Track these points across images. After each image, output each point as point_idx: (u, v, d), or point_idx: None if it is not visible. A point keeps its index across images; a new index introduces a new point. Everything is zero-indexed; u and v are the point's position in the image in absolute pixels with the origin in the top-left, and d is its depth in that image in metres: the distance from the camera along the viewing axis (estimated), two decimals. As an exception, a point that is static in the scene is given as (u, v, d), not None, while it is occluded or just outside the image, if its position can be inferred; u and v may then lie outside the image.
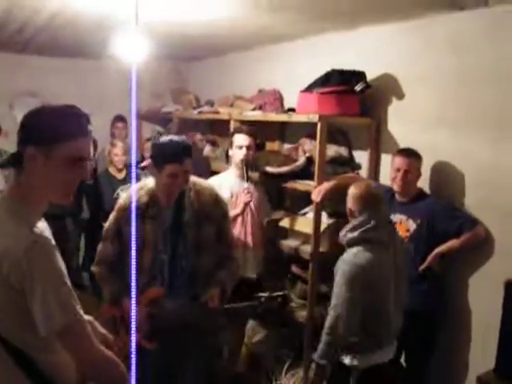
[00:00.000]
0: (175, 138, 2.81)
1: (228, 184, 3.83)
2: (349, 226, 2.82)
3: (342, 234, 2.85)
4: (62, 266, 1.59)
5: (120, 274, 2.75)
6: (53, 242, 1.63)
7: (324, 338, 2.74)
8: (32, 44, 5.28)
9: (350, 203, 2.86)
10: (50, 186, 1.65)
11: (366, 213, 2.78)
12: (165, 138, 2.80)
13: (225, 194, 3.55)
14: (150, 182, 2.87)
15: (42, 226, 1.69)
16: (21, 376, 1.59)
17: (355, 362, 2.78)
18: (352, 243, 2.78)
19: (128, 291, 2.48)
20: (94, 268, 2.93)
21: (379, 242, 2.77)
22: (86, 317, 1.99)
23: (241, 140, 3.82)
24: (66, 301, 1.56)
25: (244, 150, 3.80)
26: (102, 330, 2.05)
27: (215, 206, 2.87)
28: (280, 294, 3.30)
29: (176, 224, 2.78)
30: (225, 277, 2.88)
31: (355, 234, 2.77)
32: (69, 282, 1.59)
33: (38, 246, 1.53)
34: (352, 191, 2.87)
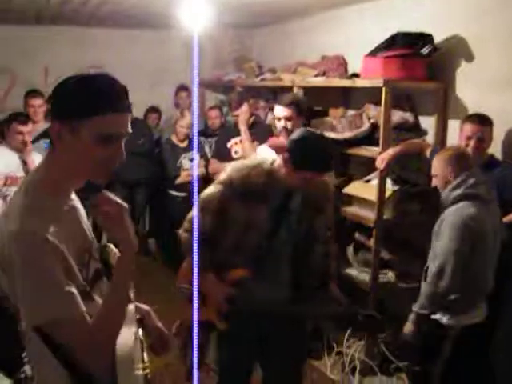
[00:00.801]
0: (324, 143, 2.53)
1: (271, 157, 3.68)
2: (450, 187, 2.80)
3: (443, 195, 2.83)
4: (57, 259, 1.39)
5: (209, 248, 2.52)
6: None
7: (426, 288, 2.78)
8: (96, 16, 5.37)
9: (442, 167, 2.84)
10: (79, 166, 1.49)
11: (463, 172, 2.78)
12: (312, 139, 2.46)
13: None
14: (267, 161, 2.58)
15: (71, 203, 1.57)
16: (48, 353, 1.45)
17: (452, 322, 2.79)
18: (457, 200, 2.76)
19: (213, 266, 2.52)
20: (183, 233, 2.72)
21: (482, 199, 2.76)
22: (144, 306, 1.93)
23: (279, 111, 3.71)
24: (55, 295, 1.37)
25: (282, 122, 3.68)
26: (159, 324, 1.94)
27: (325, 193, 2.68)
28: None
29: (284, 210, 2.56)
30: (334, 269, 2.81)
31: (459, 191, 2.76)
32: (64, 276, 1.40)
33: (23, 240, 1.36)
34: (442, 156, 2.87)
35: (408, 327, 2.87)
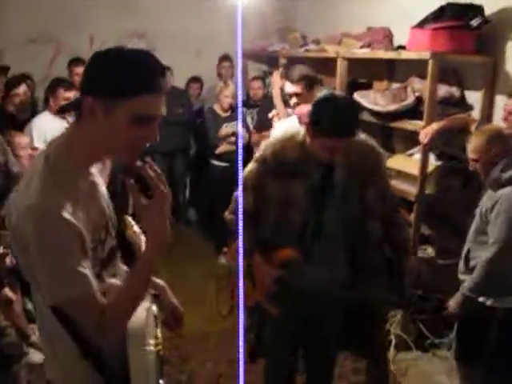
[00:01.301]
0: (347, 105, 2.29)
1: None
2: (498, 168, 2.74)
3: (493, 176, 2.76)
4: (72, 238, 1.38)
5: (254, 227, 2.45)
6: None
7: (480, 272, 2.74)
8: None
9: (485, 149, 2.77)
10: (107, 144, 1.46)
11: (507, 152, 2.74)
12: (334, 101, 2.25)
13: None
14: (300, 133, 2.42)
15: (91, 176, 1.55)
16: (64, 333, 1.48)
17: (497, 304, 2.76)
18: (509, 182, 2.71)
19: (259, 246, 2.45)
20: (228, 215, 2.67)
21: None
22: (159, 281, 1.89)
23: (288, 88, 3.65)
24: (68, 273, 1.37)
25: (294, 98, 3.60)
26: (173, 300, 1.92)
27: (376, 163, 2.45)
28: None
29: (327, 184, 2.38)
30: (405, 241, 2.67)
31: (510, 172, 2.70)
32: (78, 255, 1.39)
33: (39, 216, 1.34)
34: (481, 138, 2.79)
35: (453, 308, 2.86)
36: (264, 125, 4.90)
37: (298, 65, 3.80)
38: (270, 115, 4.88)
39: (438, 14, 3.49)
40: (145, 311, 1.59)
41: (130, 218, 1.91)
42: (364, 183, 2.39)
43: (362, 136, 2.45)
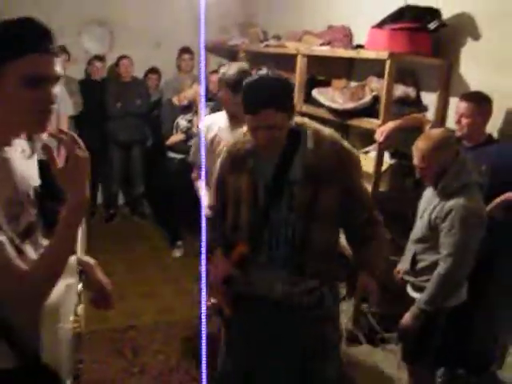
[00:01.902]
0: (264, 79, 2.11)
1: (216, 127, 3.26)
2: (449, 176, 2.74)
3: (443, 185, 2.76)
4: None
5: (220, 224, 2.40)
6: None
7: (436, 286, 2.74)
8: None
9: (434, 157, 2.75)
10: (9, 115, 1.44)
11: (455, 158, 2.76)
12: (255, 79, 2.12)
13: (209, 136, 3.22)
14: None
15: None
16: None
17: (445, 304, 2.82)
18: (460, 190, 2.72)
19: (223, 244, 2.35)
20: (206, 212, 2.52)
21: (480, 185, 2.78)
22: (89, 259, 1.88)
23: None
24: None
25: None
26: (101, 278, 1.88)
27: (338, 160, 2.18)
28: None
29: (278, 182, 2.21)
30: (368, 255, 2.32)
31: (461, 180, 2.73)
32: None
33: None
34: (428, 144, 2.76)
35: (409, 321, 2.83)
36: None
37: (234, 63, 3.68)
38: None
39: (397, 16, 3.54)
40: (64, 287, 1.56)
41: None
42: (321, 182, 2.16)
43: (327, 131, 2.26)
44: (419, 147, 2.80)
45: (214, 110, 5.11)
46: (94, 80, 6.03)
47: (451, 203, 2.72)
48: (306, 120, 2.30)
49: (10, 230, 1.44)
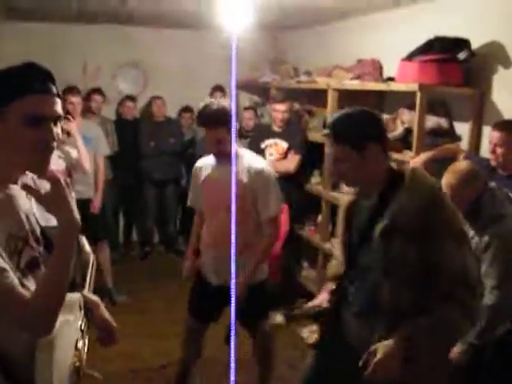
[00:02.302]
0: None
1: (207, 168, 3.26)
2: (481, 210, 2.73)
3: (476, 217, 2.74)
4: None
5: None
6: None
7: (488, 319, 2.67)
8: (135, 15, 5.47)
9: (462, 190, 2.74)
10: (11, 155, 1.48)
11: (484, 188, 2.75)
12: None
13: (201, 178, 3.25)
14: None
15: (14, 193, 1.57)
16: None
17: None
18: (493, 221, 2.71)
19: None
20: None
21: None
22: (93, 297, 1.89)
23: None
24: None
25: None
26: (106, 316, 1.92)
27: (425, 215, 1.93)
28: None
29: (369, 226, 2.07)
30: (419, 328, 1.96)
31: (494, 210, 2.73)
32: None
33: None
34: (456, 179, 2.75)
35: (459, 356, 2.74)
36: (256, 154, 4.94)
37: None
38: (263, 145, 4.94)
39: (427, 48, 3.56)
40: (59, 322, 1.55)
41: (83, 238, 1.94)
42: (403, 238, 1.95)
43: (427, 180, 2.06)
44: (445, 182, 2.78)
45: (251, 144, 5.17)
46: (126, 119, 6.15)
47: (489, 234, 2.69)
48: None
49: (11, 264, 1.45)
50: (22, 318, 1.41)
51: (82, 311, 1.81)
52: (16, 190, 1.58)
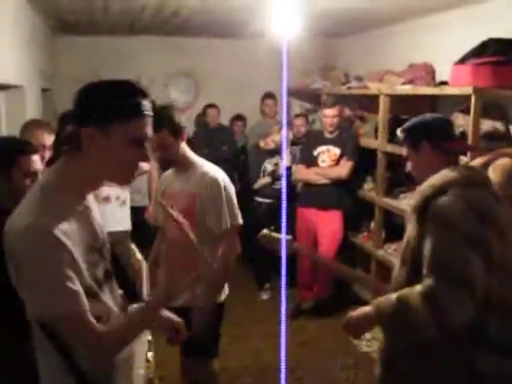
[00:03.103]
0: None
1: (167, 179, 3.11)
2: None
3: None
4: (63, 256, 1.41)
5: None
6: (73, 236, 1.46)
7: None
8: (186, 26, 5.57)
9: (506, 184, 2.61)
10: (107, 169, 1.55)
11: None
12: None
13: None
14: None
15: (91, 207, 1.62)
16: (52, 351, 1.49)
17: None
18: None
19: None
20: None
21: None
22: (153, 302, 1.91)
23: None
24: (58, 289, 1.40)
25: None
26: (168, 314, 2.00)
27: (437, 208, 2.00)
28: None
29: None
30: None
31: None
32: (69, 273, 1.41)
33: (31, 234, 1.39)
34: (502, 172, 2.67)
35: None
36: (308, 161, 4.95)
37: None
38: (316, 152, 4.93)
39: (480, 50, 3.49)
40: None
41: (133, 246, 1.98)
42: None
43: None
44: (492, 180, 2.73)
45: (303, 151, 5.18)
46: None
47: None
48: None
49: (89, 277, 1.50)
50: (92, 347, 1.46)
51: None
52: (92, 201, 1.64)
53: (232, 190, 2.95)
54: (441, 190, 1.99)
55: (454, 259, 1.86)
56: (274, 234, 2.78)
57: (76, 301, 1.41)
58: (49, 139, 3.15)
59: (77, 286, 1.42)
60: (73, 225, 1.47)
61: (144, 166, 4.38)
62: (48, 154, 3.16)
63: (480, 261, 1.86)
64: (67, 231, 1.43)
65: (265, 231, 2.83)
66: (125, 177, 1.61)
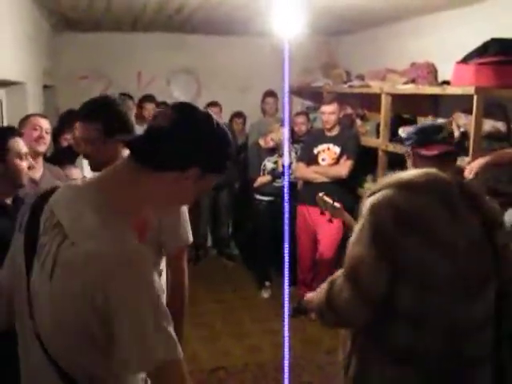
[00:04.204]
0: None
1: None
2: None
3: None
4: (160, 294, 1.22)
5: None
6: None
7: None
8: (188, 23, 5.57)
9: None
10: (172, 199, 1.46)
11: None
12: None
13: None
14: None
15: None
16: None
17: None
18: None
19: None
20: None
21: None
22: None
23: None
24: (168, 331, 1.20)
25: None
26: None
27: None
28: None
29: None
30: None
31: None
32: (167, 313, 1.23)
33: (135, 260, 1.20)
34: None
35: None
36: (308, 159, 4.95)
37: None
38: (316, 151, 4.93)
39: (483, 50, 3.49)
40: None
41: None
42: None
43: None
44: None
45: (303, 150, 5.17)
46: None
47: None
48: None
49: None
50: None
51: None
52: None
53: None
54: (376, 190, 1.94)
55: (353, 253, 1.85)
56: (326, 198, 3.24)
57: (178, 349, 1.22)
58: (44, 122, 3.29)
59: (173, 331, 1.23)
60: None
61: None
62: (48, 138, 3.30)
63: (378, 261, 1.78)
64: None
65: (320, 194, 3.29)
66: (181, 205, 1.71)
